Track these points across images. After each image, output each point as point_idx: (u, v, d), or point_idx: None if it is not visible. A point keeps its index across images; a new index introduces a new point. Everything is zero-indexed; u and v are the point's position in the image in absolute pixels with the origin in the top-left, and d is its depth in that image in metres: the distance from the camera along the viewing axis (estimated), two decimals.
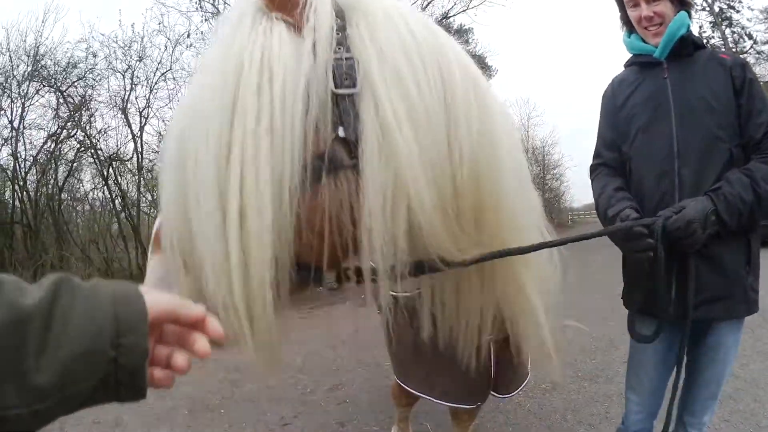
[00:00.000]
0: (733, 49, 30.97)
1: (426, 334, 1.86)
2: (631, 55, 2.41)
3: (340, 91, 1.13)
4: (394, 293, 1.98)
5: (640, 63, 2.35)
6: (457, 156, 1.25)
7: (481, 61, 28.08)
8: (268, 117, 1.06)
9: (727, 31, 32.32)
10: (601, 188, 2.37)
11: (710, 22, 32.29)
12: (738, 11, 31.87)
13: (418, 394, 2.74)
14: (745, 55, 31.61)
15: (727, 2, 32.01)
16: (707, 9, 32.19)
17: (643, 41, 2.29)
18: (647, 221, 1.95)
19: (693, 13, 2.34)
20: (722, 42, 31.37)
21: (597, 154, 2.53)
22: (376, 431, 3.82)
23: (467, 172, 1.27)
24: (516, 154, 1.50)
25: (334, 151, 1.13)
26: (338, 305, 8.56)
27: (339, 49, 1.15)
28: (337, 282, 1.33)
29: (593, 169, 2.55)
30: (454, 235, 1.28)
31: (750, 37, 31.73)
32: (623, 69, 2.47)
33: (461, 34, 27.79)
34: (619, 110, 2.39)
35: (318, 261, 1.19)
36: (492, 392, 2.68)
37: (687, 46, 2.21)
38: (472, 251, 1.36)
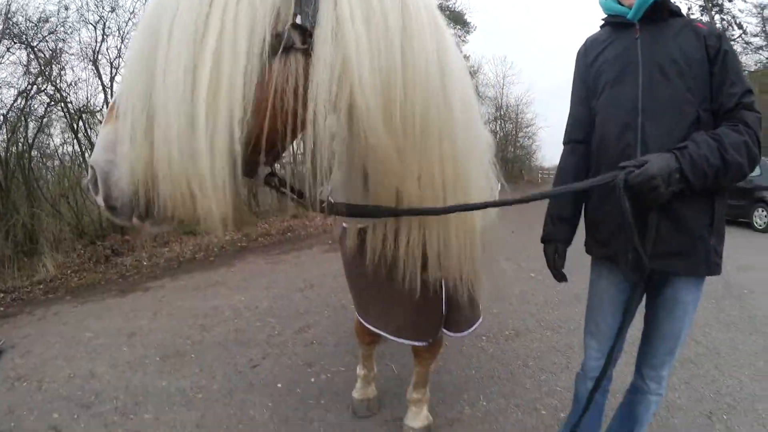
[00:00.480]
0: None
1: (368, 261, 2.06)
2: (606, 16, 2.42)
3: None
4: (347, 225, 2.24)
5: (614, 23, 2.37)
6: (410, 67, 1.44)
7: (459, 18, 27.46)
8: None
9: (717, 17, 32.23)
10: (558, 177, 2.55)
11: (700, 6, 32.15)
12: (731, 0, 31.69)
13: (375, 330, 2.82)
14: (733, 43, 31.72)
15: None
16: None
17: (619, 3, 2.30)
18: (609, 176, 2.00)
19: None
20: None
21: (571, 113, 2.59)
22: (343, 371, 3.92)
23: (418, 83, 1.46)
24: (465, 91, 1.72)
25: (290, 34, 1.29)
26: (305, 250, 8.73)
27: None
28: (266, 184, 1.49)
29: (564, 142, 2.62)
30: (394, 131, 1.47)
31: (740, 26, 31.64)
32: (598, 29, 2.50)
33: None
34: (590, 67, 2.42)
35: (262, 140, 1.33)
36: (444, 329, 2.79)
37: (661, 11, 2.21)
38: (411, 156, 1.54)
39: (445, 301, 2.57)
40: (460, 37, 29.05)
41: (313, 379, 3.94)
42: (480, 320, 2.94)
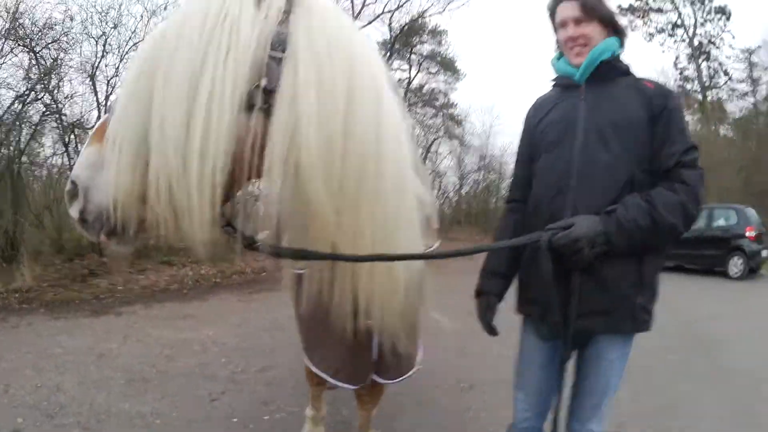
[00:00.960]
0: (707, 84, 32.45)
1: (304, 305, 2.16)
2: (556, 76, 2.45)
3: (272, 53, 1.49)
4: (293, 270, 2.30)
5: (562, 85, 2.39)
6: (351, 134, 1.59)
7: (450, 65, 27.57)
8: (233, 56, 1.43)
9: (704, 65, 33.06)
10: (497, 235, 2.59)
11: (687, 54, 33.34)
12: (718, 47, 32.81)
13: (317, 371, 2.90)
14: (717, 90, 32.93)
15: (708, 38, 33.01)
16: (686, 41, 33.27)
17: (570, 64, 2.32)
18: (534, 236, 2.08)
19: (625, 40, 2.36)
20: (696, 74, 32.74)
21: (514, 173, 2.64)
22: (297, 412, 3.98)
23: (356, 149, 1.61)
24: (399, 154, 1.82)
25: (255, 95, 1.48)
26: (275, 291, 8.85)
27: (281, 25, 1.52)
28: (228, 227, 1.65)
29: (506, 201, 2.70)
30: (333, 193, 1.61)
31: (726, 73, 32.64)
32: (549, 89, 2.53)
33: (435, 35, 27.96)
34: (536, 128, 2.43)
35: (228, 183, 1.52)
36: (375, 376, 2.88)
37: (609, 72, 2.23)
38: (347, 215, 1.67)
39: (375, 348, 2.64)
40: (449, 84, 29.57)
41: (267, 417, 4.07)
42: (414, 370, 2.99)
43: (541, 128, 2.38)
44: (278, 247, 1.78)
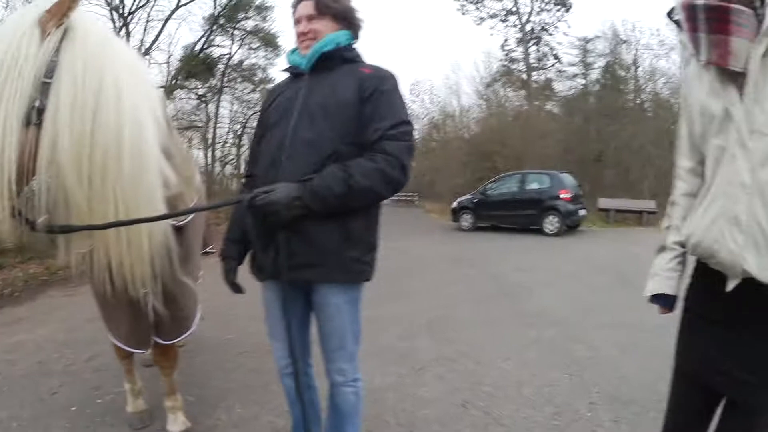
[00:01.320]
0: (535, 65, 35.30)
1: (93, 287, 2.59)
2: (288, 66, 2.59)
3: (45, 79, 1.79)
4: (83, 251, 2.39)
5: (292, 73, 2.56)
6: (96, 141, 1.90)
7: (272, 40, 27.75)
8: (20, 86, 1.75)
9: (534, 48, 35.59)
10: (234, 208, 2.69)
11: (517, 38, 35.79)
12: (551, 34, 35.27)
13: (117, 343, 3.10)
14: (545, 71, 35.84)
15: (542, 26, 35.40)
16: (518, 26, 35.60)
17: (300, 56, 2.46)
18: (237, 198, 2.35)
19: (359, 32, 2.54)
20: (524, 56, 35.42)
21: (249, 150, 2.83)
22: (122, 391, 4.11)
23: (99, 152, 1.91)
24: (139, 147, 2.08)
25: (30, 113, 1.78)
26: None
27: (55, 54, 1.81)
28: (18, 215, 1.90)
29: (243, 176, 2.90)
30: (83, 185, 1.91)
31: (556, 57, 35.37)
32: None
33: (260, 10, 28.35)
34: (266, 111, 2.59)
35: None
36: (156, 338, 3.13)
37: (332, 61, 2.38)
38: (95, 202, 1.98)
39: (150, 312, 2.80)
40: (269, 59, 30.03)
41: (99, 400, 4.39)
42: (189, 331, 3.27)
43: (270, 110, 2.55)
44: (49, 225, 1.97)
